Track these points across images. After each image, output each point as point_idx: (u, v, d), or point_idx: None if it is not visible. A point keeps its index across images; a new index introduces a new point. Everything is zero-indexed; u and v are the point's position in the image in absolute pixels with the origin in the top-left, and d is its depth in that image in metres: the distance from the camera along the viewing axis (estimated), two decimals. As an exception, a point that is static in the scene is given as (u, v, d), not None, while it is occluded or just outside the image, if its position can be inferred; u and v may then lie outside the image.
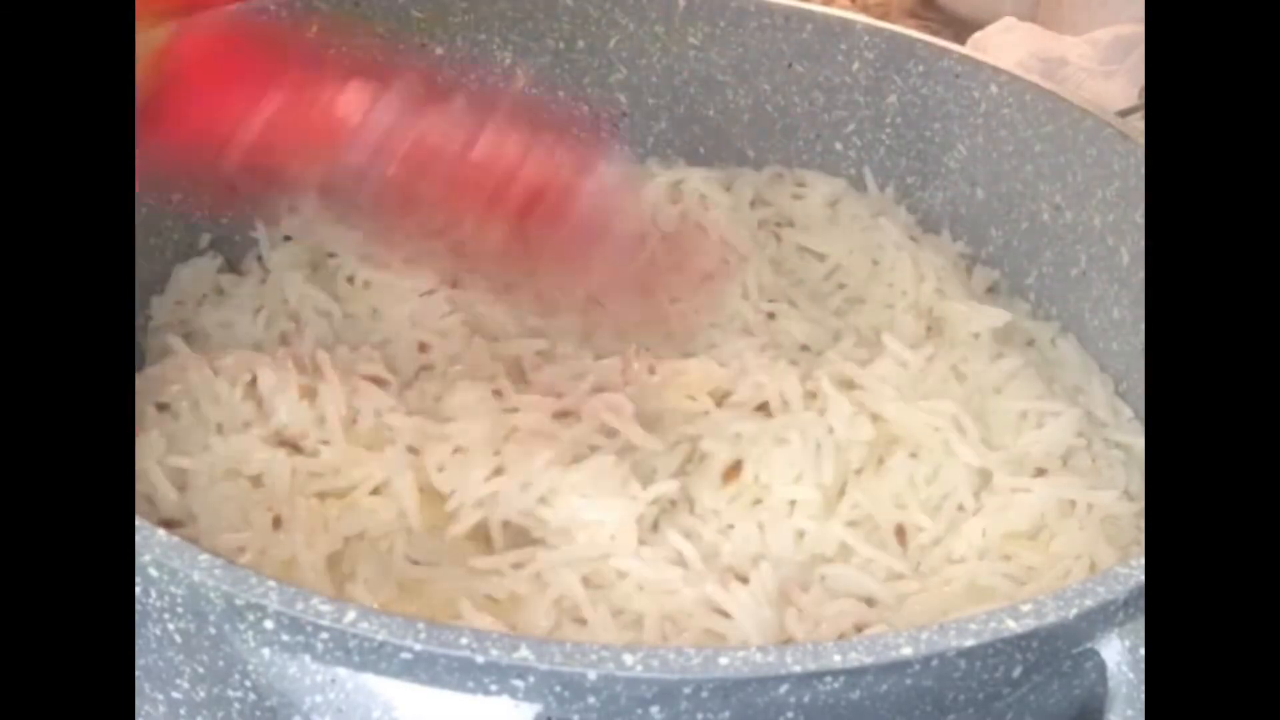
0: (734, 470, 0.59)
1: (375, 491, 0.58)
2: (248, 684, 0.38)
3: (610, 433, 0.61)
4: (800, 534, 0.58)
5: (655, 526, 0.57)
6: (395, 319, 0.68)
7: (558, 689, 0.36)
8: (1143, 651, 0.40)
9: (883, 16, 0.95)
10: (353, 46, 0.74)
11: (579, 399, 0.62)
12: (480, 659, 0.35)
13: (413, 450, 0.59)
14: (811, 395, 0.63)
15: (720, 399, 0.63)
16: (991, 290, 0.76)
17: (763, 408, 0.62)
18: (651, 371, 0.64)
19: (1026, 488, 0.60)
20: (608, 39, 0.79)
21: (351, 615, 0.36)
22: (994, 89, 0.73)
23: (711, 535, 0.58)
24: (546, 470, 0.57)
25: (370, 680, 0.37)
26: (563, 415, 0.60)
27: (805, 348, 0.69)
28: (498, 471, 0.58)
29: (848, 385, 0.65)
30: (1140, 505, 0.62)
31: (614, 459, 0.59)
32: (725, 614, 0.53)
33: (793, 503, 0.59)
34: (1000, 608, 0.38)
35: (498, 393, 0.62)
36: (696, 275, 0.70)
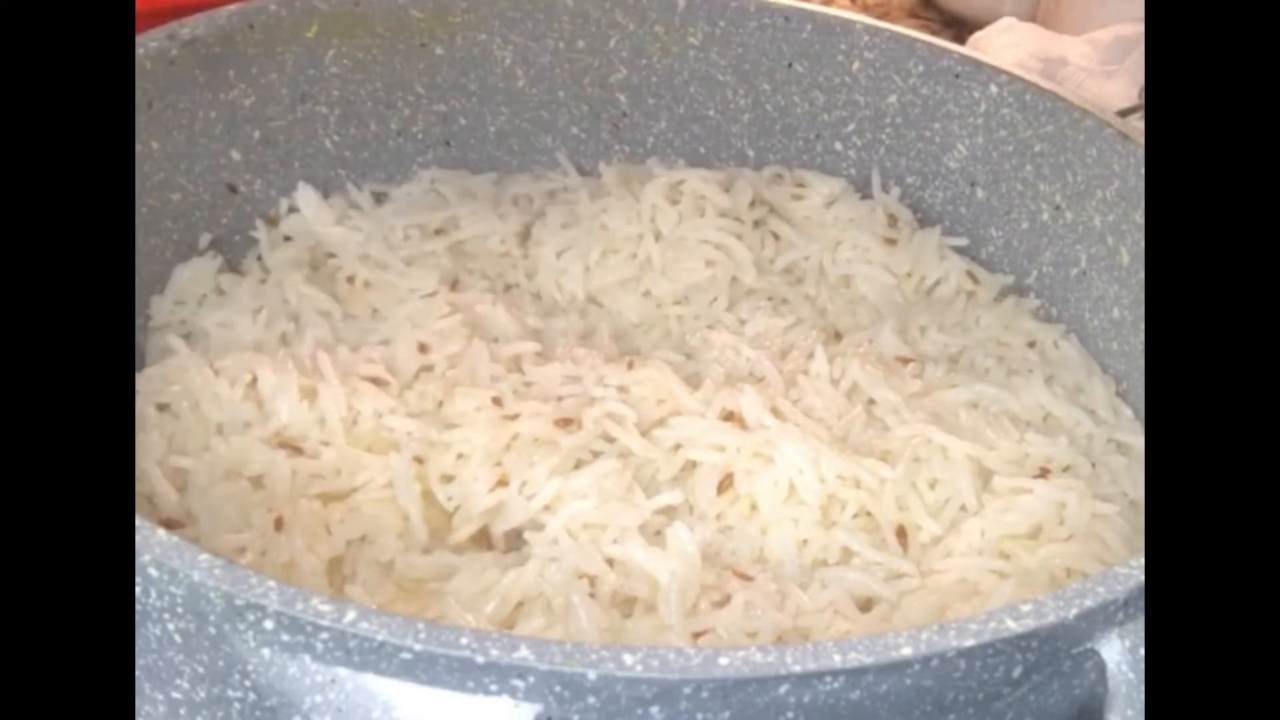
0: (728, 480, 0.59)
1: (377, 496, 0.58)
2: (248, 684, 0.38)
3: (610, 439, 0.61)
4: (801, 539, 0.58)
5: (659, 532, 0.57)
6: (395, 319, 0.68)
7: (558, 689, 0.36)
8: (1143, 651, 0.40)
9: (883, 16, 0.95)
10: (352, 46, 0.75)
11: (579, 406, 0.62)
12: (480, 659, 0.35)
13: (418, 460, 0.59)
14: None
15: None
16: (1003, 292, 0.76)
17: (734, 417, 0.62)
18: (630, 367, 0.64)
19: (1027, 488, 0.60)
20: (608, 39, 0.79)
21: (351, 615, 0.36)
22: (994, 89, 0.73)
23: (712, 535, 0.58)
24: (549, 479, 0.57)
25: (370, 680, 0.37)
26: (564, 423, 0.60)
27: (794, 348, 0.69)
28: (500, 481, 0.58)
29: (849, 390, 0.66)
30: (1140, 506, 0.62)
31: (616, 465, 0.59)
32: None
33: (790, 507, 0.59)
34: (1000, 608, 0.38)
35: (497, 400, 0.62)
36: None
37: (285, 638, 0.37)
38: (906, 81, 0.76)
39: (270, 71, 0.72)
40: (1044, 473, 0.62)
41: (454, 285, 0.72)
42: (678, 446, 0.61)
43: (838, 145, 0.80)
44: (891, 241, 0.76)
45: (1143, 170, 0.65)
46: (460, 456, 0.59)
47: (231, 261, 0.73)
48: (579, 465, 0.59)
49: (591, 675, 0.35)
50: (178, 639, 0.39)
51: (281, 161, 0.75)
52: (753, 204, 0.77)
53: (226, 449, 0.59)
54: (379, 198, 0.78)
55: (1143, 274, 0.66)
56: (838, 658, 0.36)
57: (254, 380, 0.61)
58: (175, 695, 0.40)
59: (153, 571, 0.38)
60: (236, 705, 0.38)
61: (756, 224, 0.77)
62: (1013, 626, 0.38)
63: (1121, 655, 0.40)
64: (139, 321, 0.68)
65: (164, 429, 0.60)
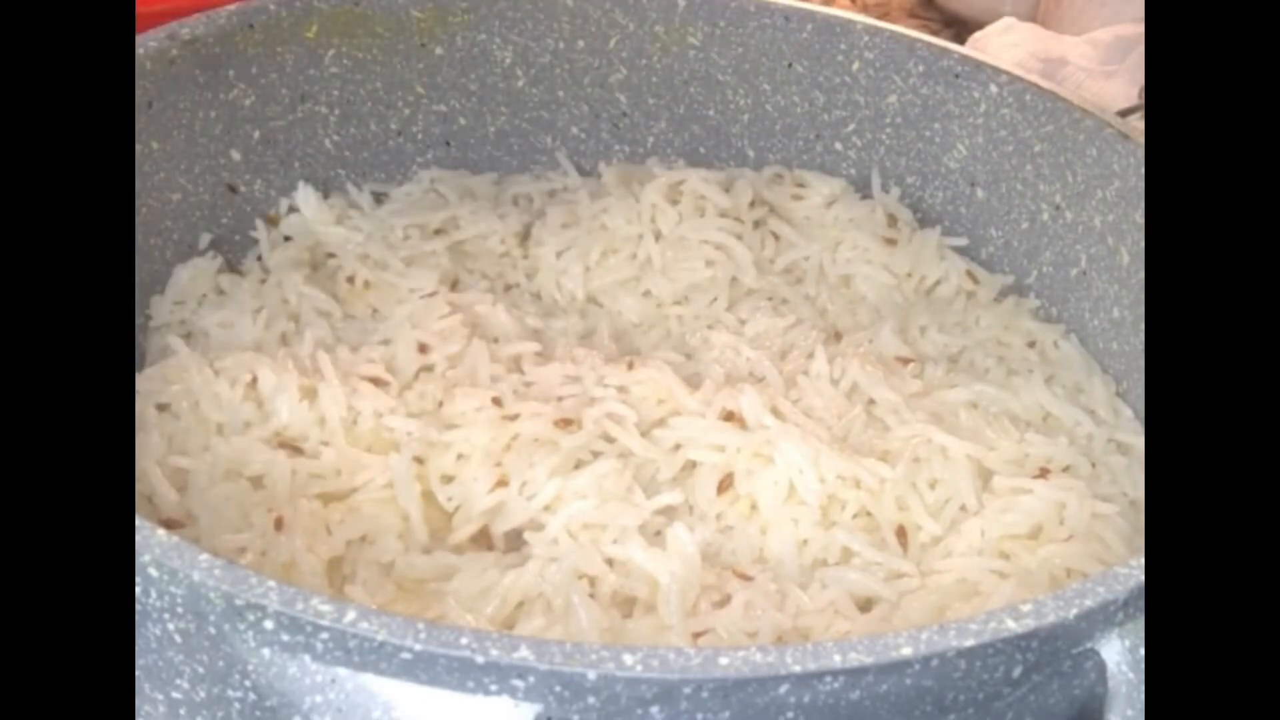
0: (728, 480, 0.59)
1: (377, 496, 0.58)
2: (248, 684, 0.38)
3: (610, 439, 0.61)
4: (801, 539, 0.58)
5: (658, 532, 0.57)
6: (395, 319, 0.68)
7: (558, 689, 0.36)
8: (1143, 651, 0.40)
9: (883, 16, 0.95)
10: (352, 46, 0.75)
11: (579, 406, 0.62)
12: (480, 659, 0.35)
13: (418, 460, 0.59)
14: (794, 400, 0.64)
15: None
16: (1003, 292, 0.76)
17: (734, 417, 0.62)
18: (630, 367, 0.64)
19: (1027, 488, 0.60)
20: (608, 39, 0.79)
21: (351, 615, 0.36)
22: (994, 89, 0.73)
23: (712, 535, 0.58)
24: (549, 479, 0.57)
25: (370, 680, 0.37)
26: (564, 423, 0.60)
27: (794, 348, 0.69)
28: (500, 481, 0.58)
29: (849, 390, 0.66)
30: (1140, 506, 0.62)
31: (616, 465, 0.59)
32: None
33: (790, 507, 0.59)
34: (1000, 608, 0.38)
35: (497, 400, 0.62)
36: None
37: (285, 638, 0.37)
38: (906, 81, 0.76)
39: (270, 71, 0.72)
40: (1044, 473, 0.62)
41: (454, 285, 0.72)
42: (678, 446, 0.61)
43: (838, 145, 0.80)
44: (891, 241, 0.76)
45: (1143, 170, 0.65)
46: (460, 456, 0.59)
47: (231, 261, 0.73)
48: (579, 465, 0.59)
49: (591, 675, 0.35)
50: (178, 639, 0.39)
51: (281, 161, 0.75)
52: (753, 204, 0.77)
53: (226, 449, 0.59)
54: (379, 198, 0.78)
55: (1143, 274, 0.66)
56: (838, 658, 0.36)
57: (254, 380, 0.61)
58: (175, 695, 0.40)
59: (153, 571, 0.38)
60: (236, 705, 0.38)
61: (756, 224, 0.77)
62: (1013, 626, 0.38)
63: (1121, 655, 0.40)
64: (139, 321, 0.68)
65: (164, 429, 0.60)
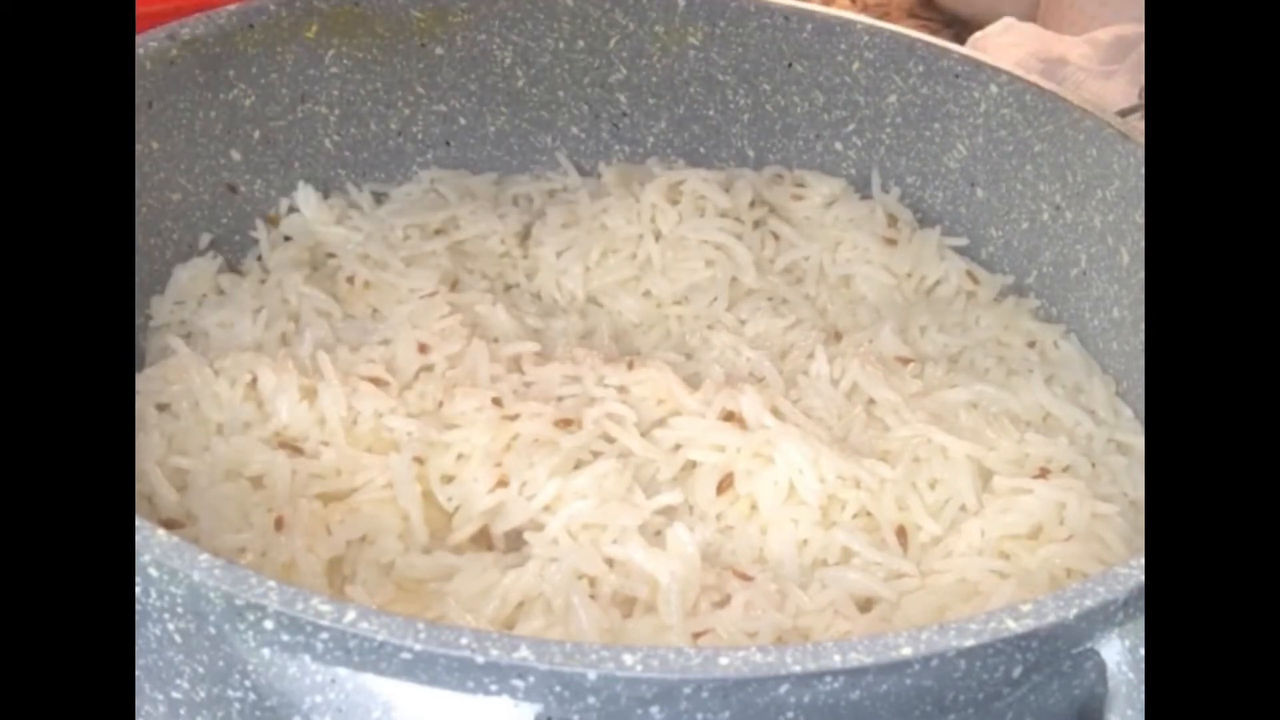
0: (728, 480, 0.59)
1: (377, 496, 0.58)
2: (248, 684, 0.38)
3: (610, 439, 0.61)
4: (801, 539, 0.58)
5: (658, 532, 0.57)
6: (395, 319, 0.68)
7: (558, 689, 0.36)
8: (1143, 651, 0.40)
9: (883, 16, 0.95)
10: (352, 46, 0.75)
11: (579, 406, 0.62)
12: (480, 659, 0.35)
13: (418, 460, 0.59)
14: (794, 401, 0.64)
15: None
16: (1003, 292, 0.76)
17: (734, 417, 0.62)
18: (630, 367, 0.64)
19: (1027, 488, 0.60)
20: (608, 39, 0.79)
21: (351, 615, 0.36)
22: (994, 89, 0.73)
23: (712, 535, 0.58)
24: (549, 480, 0.57)
25: (370, 680, 0.37)
26: (564, 423, 0.60)
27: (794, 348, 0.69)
28: (501, 482, 0.58)
29: (849, 390, 0.66)
30: (1140, 506, 0.62)
31: (616, 465, 0.59)
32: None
33: (790, 507, 0.59)
34: (1000, 608, 0.38)
35: (497, 401, 0.62)
36: None
37: (285, 638, 0.37)
38: (906, 81, 0.76)
39: (270, 71, 0.72)
40: (1044, 473, 0.62)
41: (454, 285, 0.72)
42: (678, 446, 0.61)
43: (838, 145, 0.80)
44: (891, 241, 0.76)
45: (1143, 170, 0.65)
46: (460, 457, 0.59)
47: (231, 261, 0.73)
48: (579, 465, 0.59)
49: (591, 675, 0.35)
50: (178, 639, 0.39)
51: (281, 161, 0.75)
52: (753, 204, 0.77)
53: (226, 449, 0.59)
54: (379, 198, 0.78)
55: (1143, 274, 0.66)
56: (838, 658, 0.36)
57: (254, 380, 0.61)
58: (175, 695, 0.40)
59: (153, 571, 0.38)
60: (236, 705, 0.38)
61: (756, 224, 0.77)
62: (1013, 626, 0.38)
63: (1121, 655, 0.40)
64: (139, 321, 0.68)
65: (164, 429, 0.60)
